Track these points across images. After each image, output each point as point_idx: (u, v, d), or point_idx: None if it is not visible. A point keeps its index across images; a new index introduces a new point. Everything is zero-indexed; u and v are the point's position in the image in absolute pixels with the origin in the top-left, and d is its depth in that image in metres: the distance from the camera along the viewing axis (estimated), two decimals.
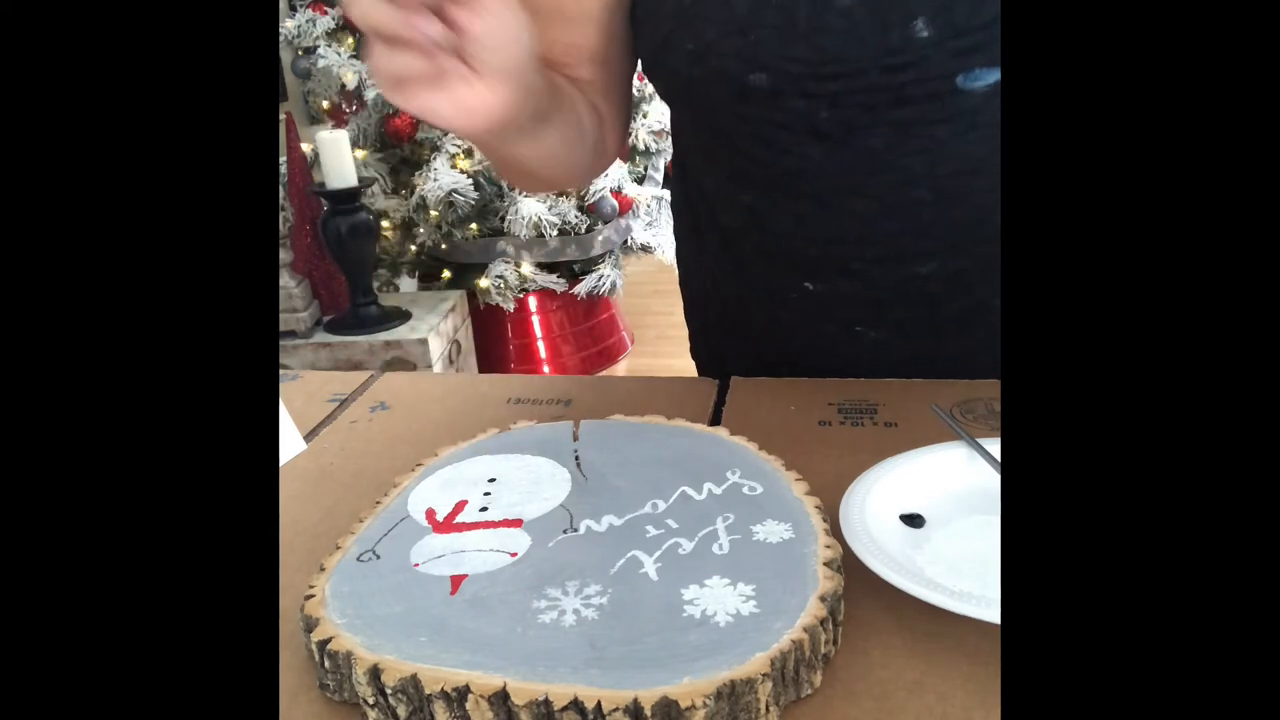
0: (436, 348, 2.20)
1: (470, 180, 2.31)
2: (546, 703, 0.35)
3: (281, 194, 2.20)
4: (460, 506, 0.48)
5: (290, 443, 0.63)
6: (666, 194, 2.71)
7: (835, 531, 0.45)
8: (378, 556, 0.45)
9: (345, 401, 0.72)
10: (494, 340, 2.69)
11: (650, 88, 2.71)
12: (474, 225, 2.42)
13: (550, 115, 0.57)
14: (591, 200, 2.44)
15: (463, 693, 0.35)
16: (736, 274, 0.73)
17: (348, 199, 2.07)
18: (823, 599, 0.39)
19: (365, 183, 2.20)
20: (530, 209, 2.37)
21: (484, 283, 2.48)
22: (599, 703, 0.34)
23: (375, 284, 2.31)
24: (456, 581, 0.42)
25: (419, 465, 0.54)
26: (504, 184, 2.46)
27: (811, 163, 0.62)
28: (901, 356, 0.68)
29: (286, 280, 2.17)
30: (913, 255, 0.63)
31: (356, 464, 0.61)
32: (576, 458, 0.53)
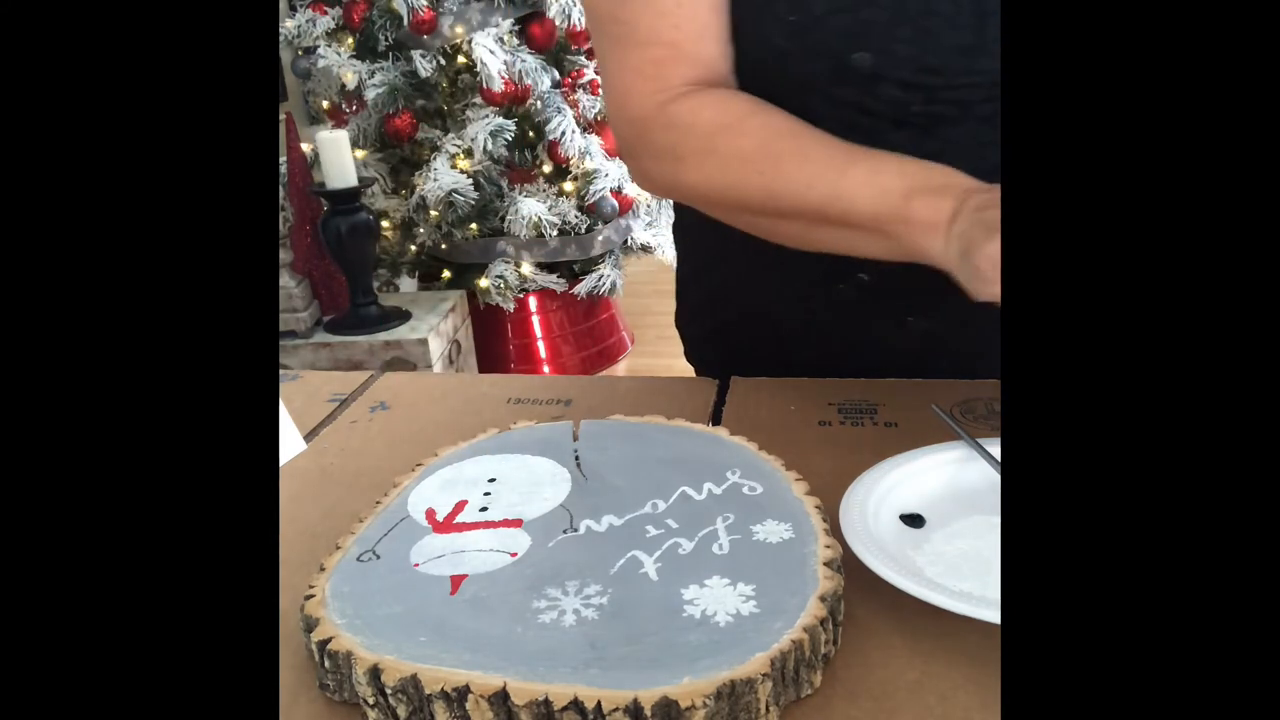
0: (436, 348, 2.20)
1: (470, 180, 2.31)
2: (546, 703, 0.35)
3: (281, 194, 2.20)
4: (460, 506, 0.48)
5: (290, 443, 0.63)
6: None
7: (835, 531, 0.45)
8: (378, 556, 0.45)
9: (345, 401, 0.72)
10: (494, 340, 2.69)
11: None
12: (474, 225, 2.42)
13: None
14: (591, 200, 2.44)
15: (463, 693, 0.35)
16: (776, 266, 0.69)
17: (348, 199, 2.07)
18: (823, 599, 0.39)
19: (365, 183, 2.20)
20: (530, 209, 2.37)
21: (484, 283, 2.48)
22: (599, 703, 0.34)
23: (375, 284, 2.31)
24: (456, 581, 0.42)
25: (419, 465, 0.54)
26: (504, 184, 2.47)
27: (890, 149, 0.59)
28: (952, 350, 0.67)
29: (286, 280, 2.17)
30: None
31: (356, 464, 0.61)
32: (576, 458, 0.53)
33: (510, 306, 2.50)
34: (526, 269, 2.51)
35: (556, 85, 2.46)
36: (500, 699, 0.35)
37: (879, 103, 0.59)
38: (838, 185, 0.56)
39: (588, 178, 2.44)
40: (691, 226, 0.80)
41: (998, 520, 0.46)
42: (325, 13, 2.38)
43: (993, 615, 0.38)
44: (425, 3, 2.25)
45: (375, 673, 0.37)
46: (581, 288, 2.59)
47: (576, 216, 2.47)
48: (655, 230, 2.71)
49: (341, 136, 2.03)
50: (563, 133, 2.37)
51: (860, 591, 0.43)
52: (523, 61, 2.31)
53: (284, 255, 2.19)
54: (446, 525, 0.47)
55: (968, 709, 0.37)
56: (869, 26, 0.57)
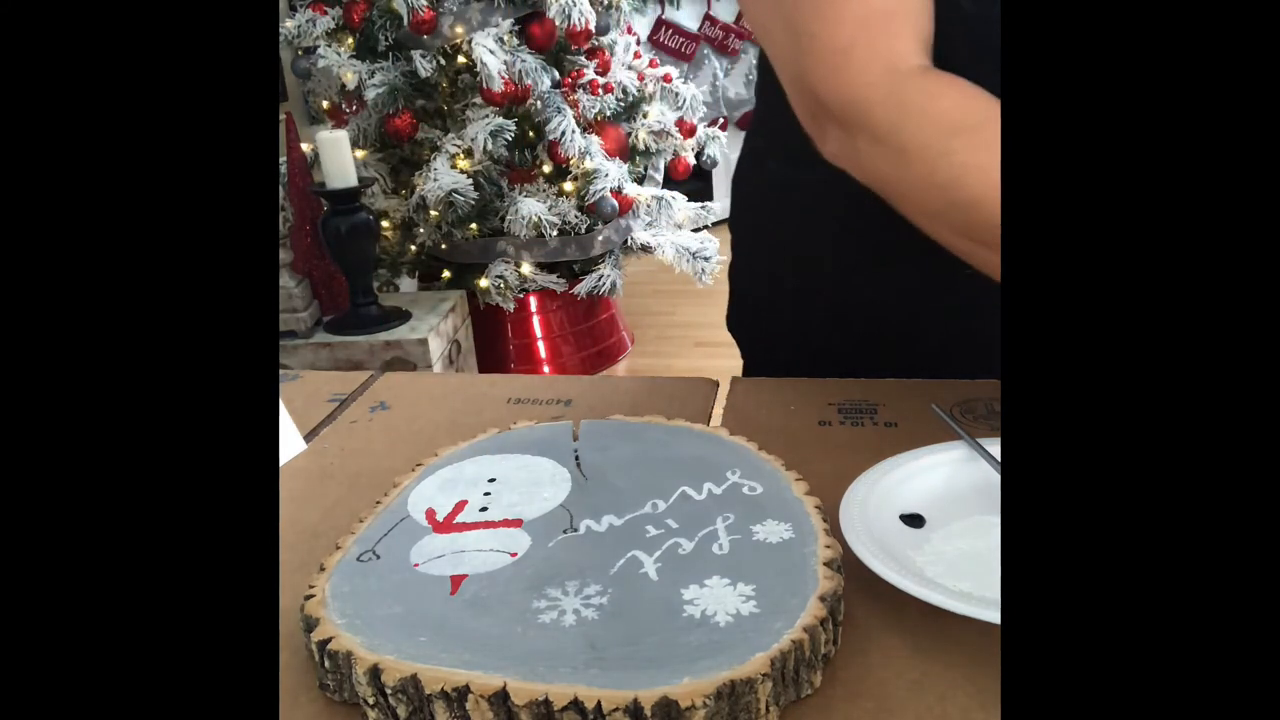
0: (436, 348, 2.20)
1: (470, 180, 2.31)
2: (546, 703, 0.35)
3: (281, 194, 2.20)
4: (460, 506, 0.48)
5: (290, 443, 0.63)
6: (667, 194, 2.71)
7: (835, 531, 0.45)
8: (378, 556, 0.45)
9: (345, 401, 0.72)
10: (494, 340, 2.69)
11: (651, 87, 2.71)
12: (474, 225, 2.42)
13: None
14: (591, 200, 2.44)
15: (463, 693, 0.35)
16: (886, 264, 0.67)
17: (348, 199, 2.07)
18: (823, 599, 0.39)
19: (365, 183, 2.20)
20: (530, 209, 2.37)
21: (484, 283, 2.49)
22: (599, 703, 0.34)
23: (375, 284, 2.31)
24: (456, 581, 0.42)
25: (419, 465, 0.54)
26: (504, 184, 2.47)
27: None
28: None
29: (286, 280, 2.17)
30: None
31: (356, 464, 0.61)
32: (576, 458, 0.53)
33: (510, 306, 2.50)
34: (526, 269, 2.52)
35: (556, 85, 2.47)
36: (500, 699, 0.35)
37: None
38: None
39: (588, 178, 2.44)
40: (769, 214, 0.75)
41: (998, 520, 0.46)
42: (325, 13, 2.38)
43: (992, 615, 0.38)
44: (425, 3, 2.25)
45: (375, 673, 0.37)
46: (581, 288, 2.59)
47: (576, 216, 2.47)
48: (655, 230, 2.71)
49: (341, 136, 2.03)
50: (563, 133, 2.37)
51: (860, 591, 0.43)
52: (523, 61, 2.31)
53: (284, 255, 2.19)
54: (446, 525, 0.47)
55: (968, 709, 0.37)
56: None
